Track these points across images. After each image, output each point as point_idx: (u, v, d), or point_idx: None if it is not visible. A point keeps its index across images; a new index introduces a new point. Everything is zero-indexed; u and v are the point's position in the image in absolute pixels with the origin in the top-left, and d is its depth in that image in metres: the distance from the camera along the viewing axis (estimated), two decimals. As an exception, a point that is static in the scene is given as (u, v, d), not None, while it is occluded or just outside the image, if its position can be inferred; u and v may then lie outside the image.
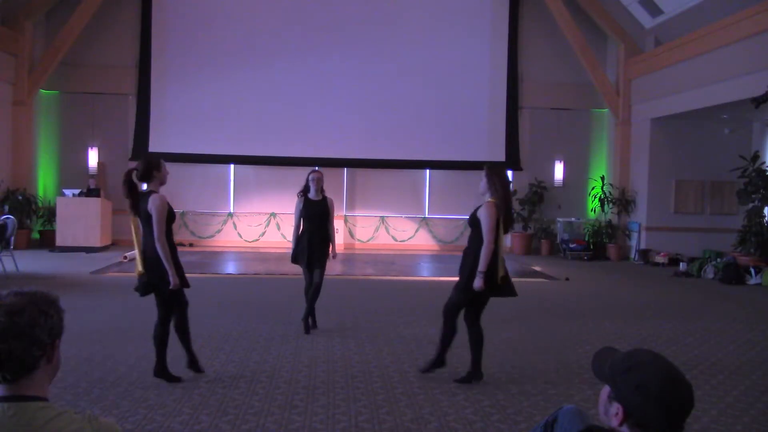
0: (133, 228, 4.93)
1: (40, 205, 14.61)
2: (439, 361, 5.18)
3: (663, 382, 1.64)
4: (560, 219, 15.54)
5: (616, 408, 1.69)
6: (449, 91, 15.75)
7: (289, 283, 9.66)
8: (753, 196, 11.90)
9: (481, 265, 4.83)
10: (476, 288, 4.86)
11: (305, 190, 6.69)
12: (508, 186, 5.15)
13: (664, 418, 1.63)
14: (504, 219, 4.94)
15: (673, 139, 14.49)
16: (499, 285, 4.96)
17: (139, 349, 5.76)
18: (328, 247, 6.70)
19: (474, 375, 5.06)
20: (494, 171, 5.05)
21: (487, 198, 4.98)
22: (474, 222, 4.98)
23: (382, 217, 15.89)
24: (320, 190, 6.67)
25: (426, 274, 12.32)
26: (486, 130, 15.85)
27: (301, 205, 6.63)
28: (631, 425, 1.67)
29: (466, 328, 5.10)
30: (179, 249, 5.08)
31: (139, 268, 4.80)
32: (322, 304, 6.97)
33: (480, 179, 5.07)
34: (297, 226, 6.72)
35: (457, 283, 5.08)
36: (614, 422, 1.70)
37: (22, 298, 1.64)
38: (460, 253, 5.18)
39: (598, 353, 1.87)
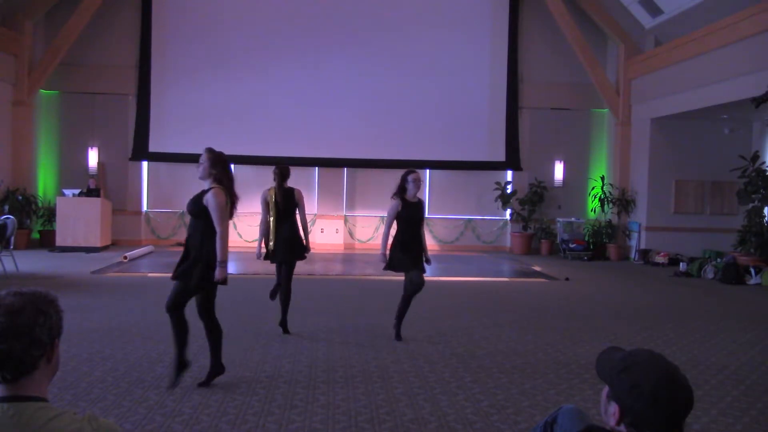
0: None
1: (40, 205, 14.62)
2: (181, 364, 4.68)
3: (657, 383, 1.64)
4: (560, 219, 15.53)
5: (613, 407, 1.70)
6: (449, 92, 15.77)
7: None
8: (753, 196, 11.91)
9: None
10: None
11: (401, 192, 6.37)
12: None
13: (658, 418, 1.63)
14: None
15: (673, 139, 14.48)
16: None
17: (139, 349, 5.76)
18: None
19: (215, 371, 4.77)
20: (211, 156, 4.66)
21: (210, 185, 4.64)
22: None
23: (382, 217, 15.83)
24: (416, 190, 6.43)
25: (425, 273, 12.27)
26: (486, 130, 15.86)
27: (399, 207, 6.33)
28: (627, 425, 1.68)
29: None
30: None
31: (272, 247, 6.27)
32: (322, 305, 6.99)
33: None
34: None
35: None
36: (611, 421, 1.71)
37: (21, 298, 1.63)
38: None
39: (602, 353, 1.87)
